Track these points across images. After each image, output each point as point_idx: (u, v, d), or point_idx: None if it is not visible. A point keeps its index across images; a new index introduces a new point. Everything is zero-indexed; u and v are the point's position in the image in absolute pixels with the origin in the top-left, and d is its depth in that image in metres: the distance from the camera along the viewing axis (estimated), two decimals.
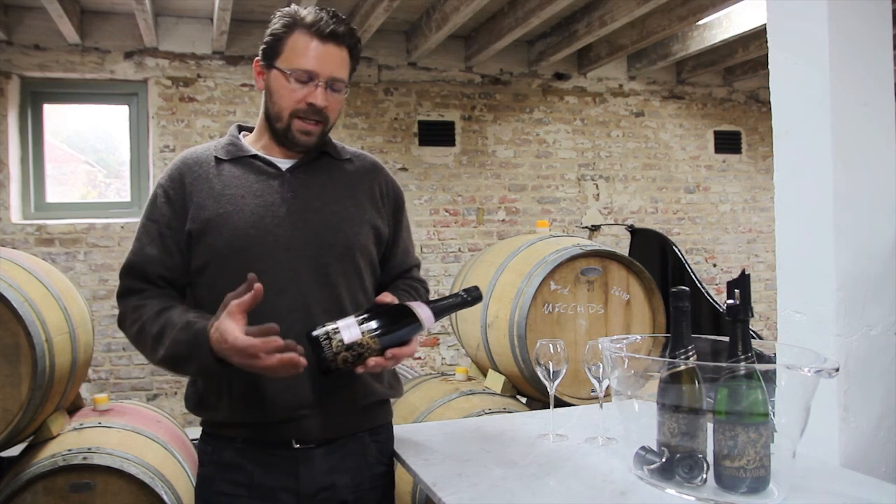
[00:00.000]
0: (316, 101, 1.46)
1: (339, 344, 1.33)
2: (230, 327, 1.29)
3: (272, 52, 1.49)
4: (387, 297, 1.46)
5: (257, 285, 1.29)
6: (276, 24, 1.50)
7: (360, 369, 1.36)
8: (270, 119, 1.52)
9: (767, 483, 1.22)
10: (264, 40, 1.51)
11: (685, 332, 1.31)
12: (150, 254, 1.49)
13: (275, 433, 1.47)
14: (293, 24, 1.47)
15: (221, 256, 1.46)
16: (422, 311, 1.40)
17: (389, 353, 1.37)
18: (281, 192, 1.51)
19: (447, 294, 1.49)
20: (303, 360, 1.29)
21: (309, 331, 1.36)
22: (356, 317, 1.37)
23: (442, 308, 1.43)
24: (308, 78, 1.46)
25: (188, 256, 1.50)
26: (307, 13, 1.47)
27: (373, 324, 1.36)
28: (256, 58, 1.54)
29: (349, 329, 1.34)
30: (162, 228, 1.50)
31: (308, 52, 1.45)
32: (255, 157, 1.54)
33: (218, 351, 1.32)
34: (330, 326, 1.35)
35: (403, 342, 1.39)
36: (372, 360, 1.35)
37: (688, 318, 1.32)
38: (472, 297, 1.46)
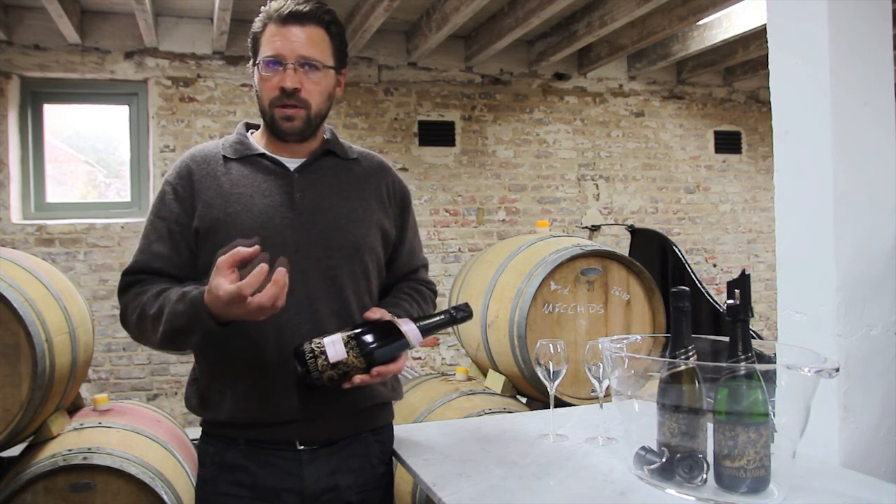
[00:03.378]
0: (285, 84, 1.44)
1: (325, 363, 1.34)
2: (219, 282, 1.25)
3: (254, 52, 1.52)
4: (376, 313, 1.45)
5: (256, 247, 1.26)
6: (254, 24, 1.52)
7: (346, 385, 1.37)
8: (262, 116, 1.53)
9: (767, 483, 1.22)
10: (248, 42, 1.53)
11: (685, 332, 1.31)
12: (158, 251, 1.48)
13: (278, 434, 1.47)
14: (265, 19, 1.49)
15: None
16: (409, 328, 1.40)
17: (375, 370, 1.37)
18: (290, 192, 1.51)
19: (438, 311, 1.49)
20: (284, 278, 1.26)
21: (295, 347, 1.37)
22: (342, 333, 1.37)
23: (430, 326, 1.43)
24: (276, 63, 1.46)
25: (195, 254, 1.49)
26: (275, 3, 1.48)
27: (358, 342, 1.36)
28: (248, 63, 1.56)
29: (334, 347, 1.35)
30: (171, 225, 1.49)
31: (272, 39, 1.46)
32: (263, 156, 1.54)
33: (217, 312, 1.29)
34: (316, 343, 1.35)
35: (389, 360, 1.39)
36: (358, 378, 1.37)
37: (688, 318, 1.32)
38: (461, 315, 1.45)
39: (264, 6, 1.51)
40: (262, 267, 1.24)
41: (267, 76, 1.46)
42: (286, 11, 1.45)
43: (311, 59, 1.46)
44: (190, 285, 1.41)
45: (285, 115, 1.47)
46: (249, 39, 1.52)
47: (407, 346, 1.40)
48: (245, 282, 1.23)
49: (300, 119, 1.48)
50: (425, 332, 1.42)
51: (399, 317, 1.46)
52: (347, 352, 1.35)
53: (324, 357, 1.34)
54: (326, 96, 1.52)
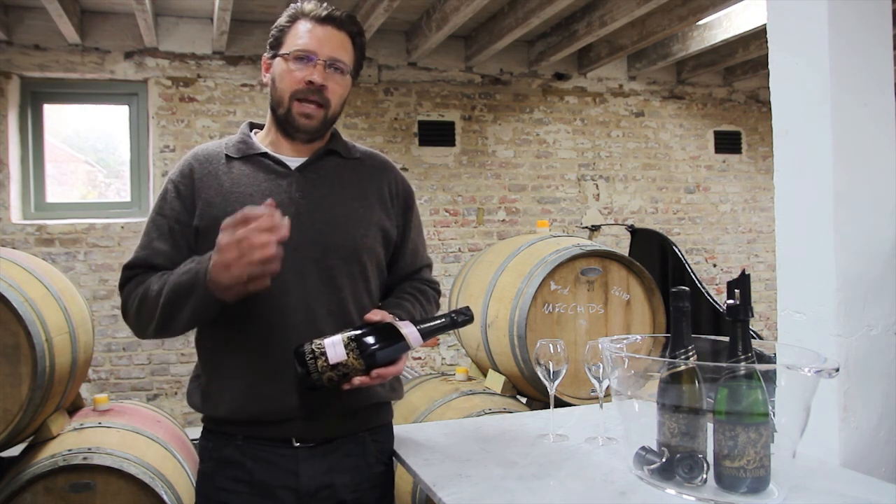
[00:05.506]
0: (314, 79, 1.48)
1: (325, 364, 1.34)
2: (221, 237, 1.28)
3: (276, 44, 1.54)
4: (376, 315, 1.45)
5: (269, 201, 1.28)
6: (281, 18, 1.56)
7: (346, 386, 1.38)
8: (274, 107, 1.54)
9: (767, 483, 1.22)
10: (270, 34, 1.56)
11: (685, 332, 1.31)
12: (159, 248, 1.50)
13: (275, 431, 1.47)
14: (296, 16, 1.54)
15: None
16: (409, 331, 1.40)
17: (374, 372, 1.38)
18: (289, 191, 1.51)
19: (439, 314, 1.49)
20: (282, 222, 1.27)
21: (296, 347, 1.38)
22: (343, 335, 1.37)
23: (430, 329, 1.43)
24: (307, 57, 1.49)
25: (195, 252, 1.50)
26: (309, 5, 1.53)
27: (358, 343, 1.36)
28: (265, 54, 1.58)
29: (334, 348, 1.35)
30: (171, 223, 1.51)
31: (306, 34, 1.50)
32: (265, 155, 1.55)
33: (217, 275, 1.28)
34: (316, 344, 1.36)
35: (389, 362, 1.40)
36: (357, 379, 1.37)
37: (688, 318, 1.32)
38: (462, 318, 1.45)
39: (269, 5, 1.53)
40: (270, 200, 1.28)
41: (294, 68, 1.49)
42: (324, 13, 1.51)
43: (340, 61, 1.51)
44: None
45: (305, 111, 1.50)
46: (273, 31, 1.55)
47: (407, 348, 1.41)
48: (250, 209, 1.25)
49: (318, 119, 1.52)
50: (425, 334, 1.42)
51: (400, 318, 1.46)
52: (347, 353, 1.35)
53: (324, 358, 1.34)
54: (343, 101, 1.56)
